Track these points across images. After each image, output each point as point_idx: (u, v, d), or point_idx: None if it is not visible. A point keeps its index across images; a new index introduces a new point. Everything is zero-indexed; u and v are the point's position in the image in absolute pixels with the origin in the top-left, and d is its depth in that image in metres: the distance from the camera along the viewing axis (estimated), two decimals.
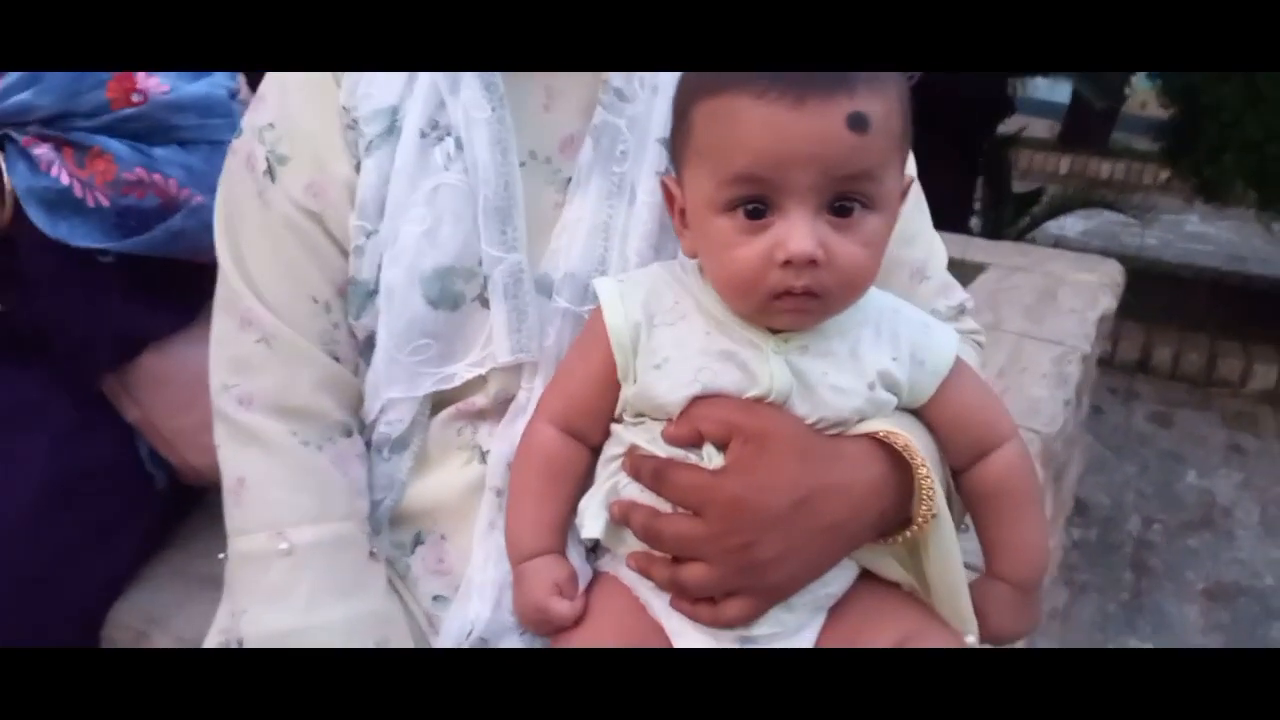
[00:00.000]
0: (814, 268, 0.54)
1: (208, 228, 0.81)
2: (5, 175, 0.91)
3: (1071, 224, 5.11)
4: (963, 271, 2.44)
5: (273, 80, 0.70)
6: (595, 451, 0.65)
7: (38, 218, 0.91)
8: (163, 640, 0.98)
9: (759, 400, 0.58)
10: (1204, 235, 5.77)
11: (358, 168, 0.66)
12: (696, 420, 0.59)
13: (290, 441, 0.67)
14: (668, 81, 0.66)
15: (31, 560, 0.90)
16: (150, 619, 1.00)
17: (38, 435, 0.95)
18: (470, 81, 0.65)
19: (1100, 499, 2.60)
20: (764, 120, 0.53)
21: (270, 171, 0.68)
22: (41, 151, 0.93)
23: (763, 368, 0.58)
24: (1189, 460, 2.88)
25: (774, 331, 0.59)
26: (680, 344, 0.60)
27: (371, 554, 0.69)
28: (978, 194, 4.12)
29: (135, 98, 0.96)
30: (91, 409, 1.00)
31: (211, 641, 0.71)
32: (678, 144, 0.61)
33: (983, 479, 0.63)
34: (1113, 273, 2.53)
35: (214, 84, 1.02)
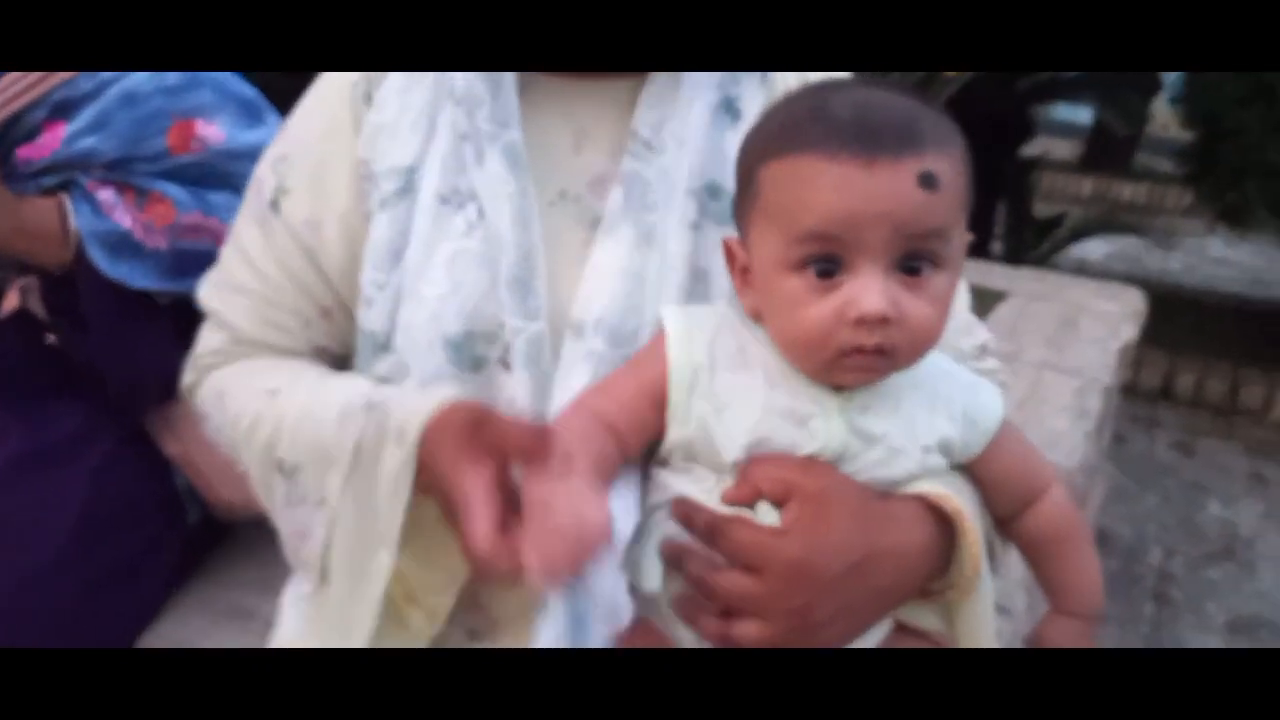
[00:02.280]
0: (885, 325, 0.54)
1: None
2: (71, 217, 0.96)
3: (1094, 247, 5.08)
4: (983, 300, 2.46)
5: (297, 116, 0.74)
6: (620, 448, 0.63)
7: (99, 259, 0.96)
8: None
9: (815, 459, 0.59)
10: (1228, 259, 5.72)
11: (368, 216, 0.68)
12: (756, 479, 0.59)
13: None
14: (694, 134, 0.69)
15: (69, 589, 0.94)
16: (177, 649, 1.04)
17: (79, 468, 1.00)
18: (495, 155, 0.67)
19: (1122, 529, 2.60)
20: (836, 180, 0.54)
21: (275, 202, 0.71)
22: (105, 195, 0.98)
23: (823, 426, 0.59)
24: (1211, 490, 2.87)
25: (836, 389, 0.60)
26: (743, 392, 0.60)
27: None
28: (999, 218, 4.13)
29: (194, 144, 1.01)
30: (132, 443, 1.05)
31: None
32: (743, 206, 0.61)
33: (1036, 527, 0.65)
34: (1134, 301, 2.54)
35: (269, 133, 1.07)
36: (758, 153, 0.59)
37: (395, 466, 0.61)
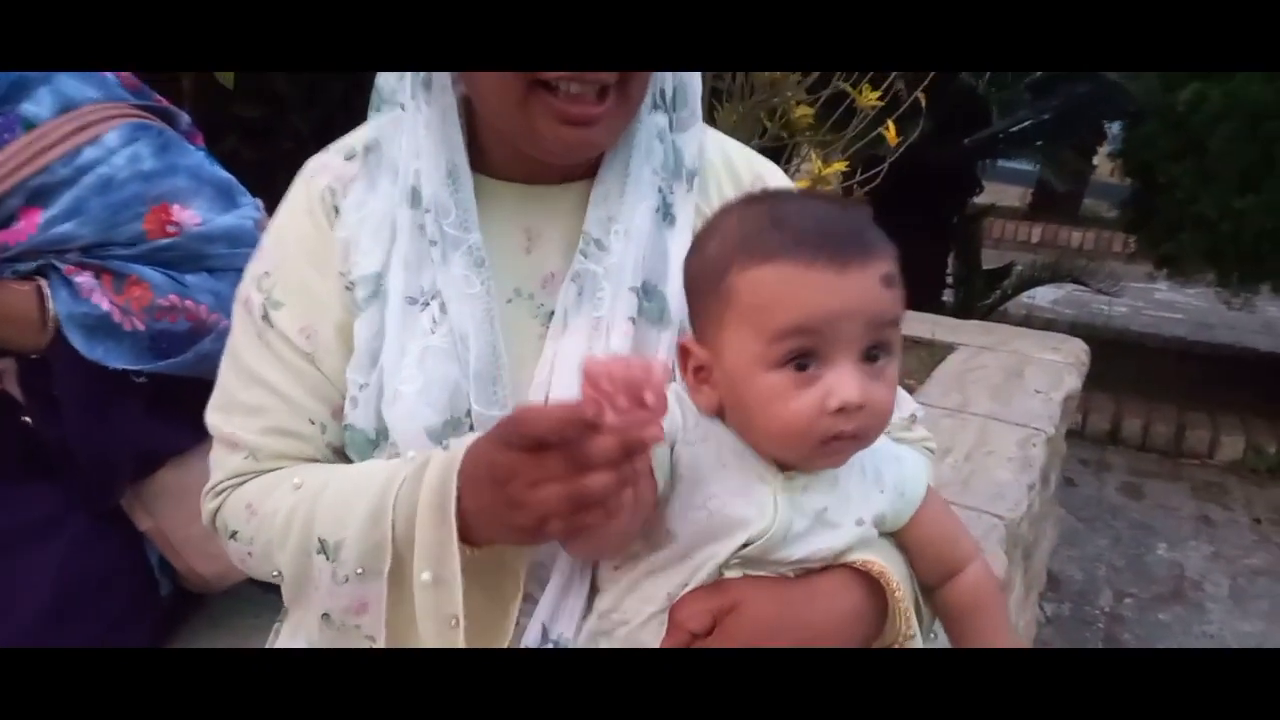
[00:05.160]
0: (860, 412, 0.61)
1: None
2: (49, 301, 1.00)
3: (1043, 293, 5.26)
4: (933, 352, 2.54)
5: (271, 234, 0.79)
6: None
7: (77, 341, 1.00)
8: None
9: (752, 540, 0.64)
10: (1172, 303, 5.95)
11: (351, 316, 0.73)
12: (682, 621, 0.65)
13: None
14: (638, 234, 0.74)
15: None
16: None
17: (53, 545, 1.01)
18: (458, 258, 0.72)
19: (1073, 572, 2.68)
20: (815, 284, 0.60)
21: (266, 316, 0.75)
22: (83, 279, 1.01)
23: (767, 502, 0.65)
24: (1159, 532, 2.97)
25: (780, 469, 0.65)
26: (697, 466, 0.65)
27: None
28: (950, 268, 4.27)
29: (170, 229, 1.06)
30: (105, 519, 1.07)
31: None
32: (710, 312, 0.66)
33: (957, 598, 0.70)
34: (1078, 351, 2.64)
35: (242, 215, 1.11)
36: (727, 262, 0.64)
37: (437, 498, 0.63)
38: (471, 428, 0.71)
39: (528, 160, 0.74)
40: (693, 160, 0.78)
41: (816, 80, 2.06)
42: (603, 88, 0.68)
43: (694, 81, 0.79)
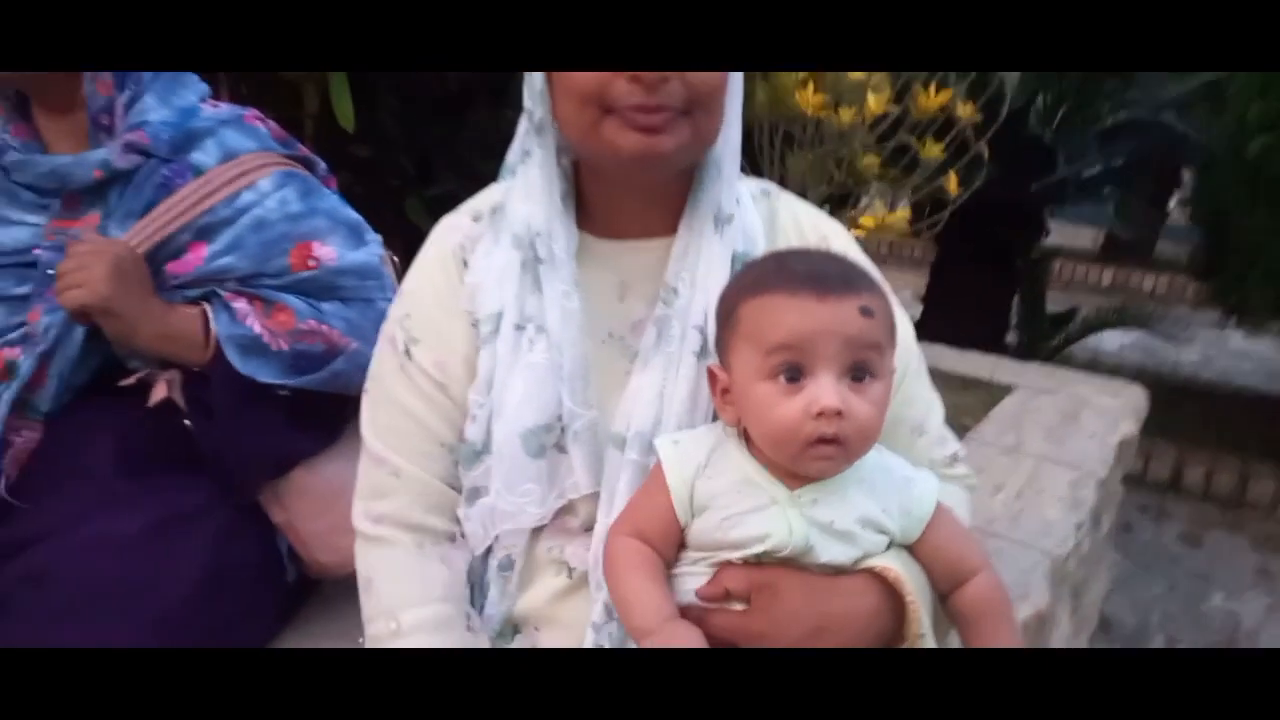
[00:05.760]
0: (839, 418, 0.72)
1: (360, 369, 1.06)
2: (212, 323, 1.17)
3: (1109, 339, 5.23)
4: (991, 393, 2.62)
5: (410, 282, 0.94)
6: (661, 556, 0.82)
7: (233, 358, 1.16)
8: None
9: (771, 554, 0.77)
10: (1245, 352, 5.83)
11: (477, 353, 0.88)
12: (724, 581, 0.78)
13: (408, 547, 0.89)
14: (702, 278, 0.87)
15: (192, 636, 1.10)
16: None
17: (203, 531, 1.17)
18: (557, 284, 0.86)
19: (1126, 616, 2.70)
20: (798, 308, 0.74)
21: (407, 351, 0.90)
22: (239, 305, 1.18)
23: (777, 517, 0.77)
24: (1217, 581, 2.97)
25: (790, 488, 0.77)
26: (715, 496, 0.78)
27: (469, 627, 0.89)
28: (1015, 311, 4.30)
29: (311, 263, 1.22)
30: (246, 511, 1.23)
31: None
32: (725, 337, 0.80)
33: (965, 604, 0.81)
34: (1136, 397, 2.68)
35: (369, 252, 1.27)
36: (736, 295, 0.79)
37: None
38: (563, 430, 0.85)
39: (621, 218, 0.89)
40: (730, 205, 0.89)
41: (885, 130, 2.18)
42: (659, 106, 0.79)
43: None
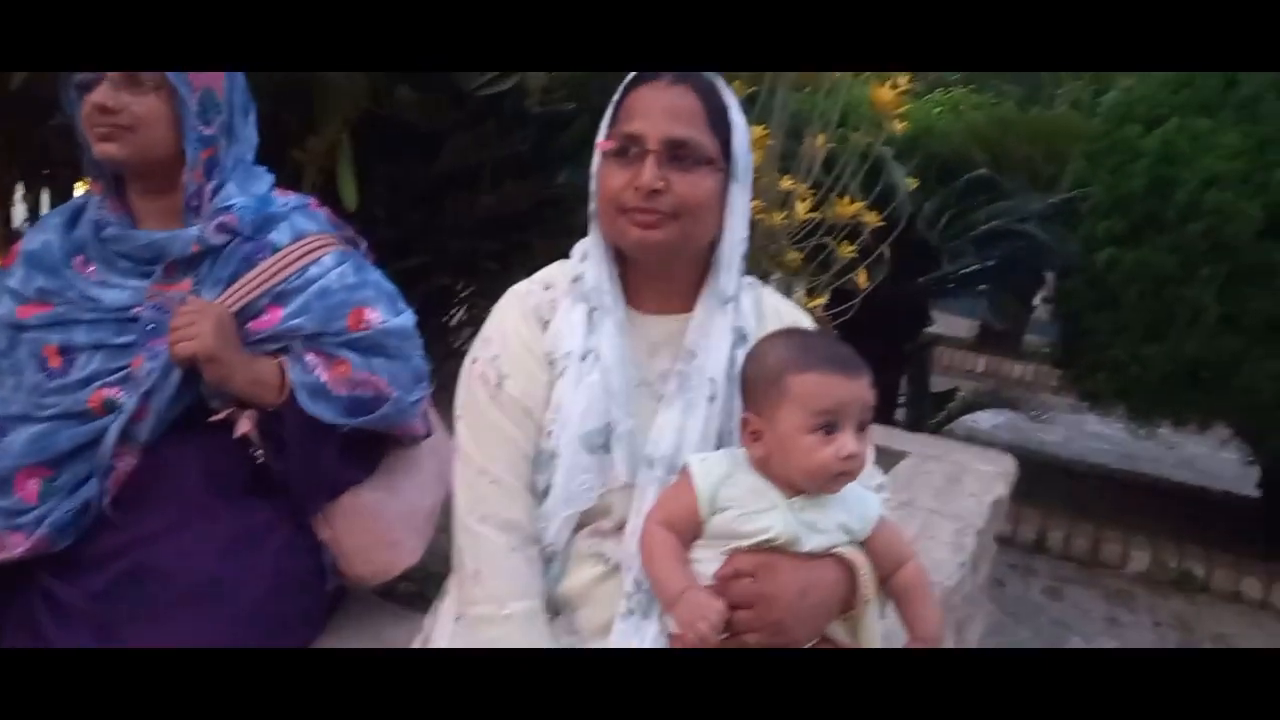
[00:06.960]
0: (855, 459, 1.06)
1: (401, 413, 1.36)
2: (288, 372, 1.42)
3: (985, 418, 5.80)
4: (887, 457, 3.02)
5: (494, 331, 1.23)
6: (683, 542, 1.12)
7: (303, 401, 1.41)
8: None
9: (770, 541, 1.08)
10: (1101, 434, 6.51)
11: (553, 384, 1.18)
12: (735, 564, 1.09)
13: (508, 544, 1.16)
14: (715, 345, 1.19)
15: (257, 636, 1.33)
16: None
17: (269, 544, 1.41)
18: (615, 322, 1.18)
19: None
20: (838, 385, 1.07)
21: (500, 384, 1.19)
22: (309, 357, 1.43)
23: (779, 517, 1.09)
24: (1075, 628, 3.41)
25: (787, 497, 1.09)
26: (734, 499, 1.10)
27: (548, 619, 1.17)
28: (903, 390, 4.80)
29: (363, 325, 1.47)
30: (303, 529, 1.47)
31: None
32: (769, 396, 1.09)
33: (899, 582, 1.14)
34: (1007, 465, 3.12)
35: (406, 318, 1.53)
36: (783, 367, 1.10)
37: None
38: (610, 434, 1.16)
39: (654, 298, 1.22)
40: (733, 289, 1.23)
41: (803, 234, 2.59)
42: (653, 209, 1.13)
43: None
